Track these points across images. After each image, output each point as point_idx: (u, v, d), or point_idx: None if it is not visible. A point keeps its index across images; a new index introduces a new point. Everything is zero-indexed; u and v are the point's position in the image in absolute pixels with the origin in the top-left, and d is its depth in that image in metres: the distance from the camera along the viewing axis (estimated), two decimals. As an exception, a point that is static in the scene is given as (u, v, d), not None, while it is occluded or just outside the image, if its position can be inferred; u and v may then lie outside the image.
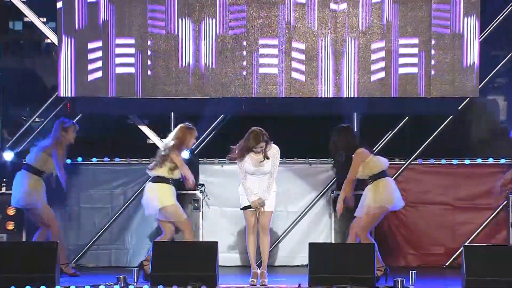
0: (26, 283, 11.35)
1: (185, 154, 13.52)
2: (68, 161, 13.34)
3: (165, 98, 13.60)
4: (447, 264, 13.91)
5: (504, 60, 14.40)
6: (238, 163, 12.00)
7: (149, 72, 13.59)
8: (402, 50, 13.52)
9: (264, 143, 11.87)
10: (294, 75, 13.55)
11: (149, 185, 12.23)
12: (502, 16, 14.26)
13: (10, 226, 13.53)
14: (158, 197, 12.07)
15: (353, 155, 12.09)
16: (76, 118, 14.25)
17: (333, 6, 13.49)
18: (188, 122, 12.35)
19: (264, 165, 11.93)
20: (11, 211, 13.43)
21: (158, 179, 12.12)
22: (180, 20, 13.50)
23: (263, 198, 11.89)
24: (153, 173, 12.16)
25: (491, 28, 14.21)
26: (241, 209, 11.95)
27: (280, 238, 13.99)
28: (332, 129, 12.21)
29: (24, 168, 12.72)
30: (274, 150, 11.95)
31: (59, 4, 13.56)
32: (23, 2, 14.48)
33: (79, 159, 14.12)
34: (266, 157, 11.89)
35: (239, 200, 12.13)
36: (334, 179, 13.99)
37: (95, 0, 13.57)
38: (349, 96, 13.55)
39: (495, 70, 14.38)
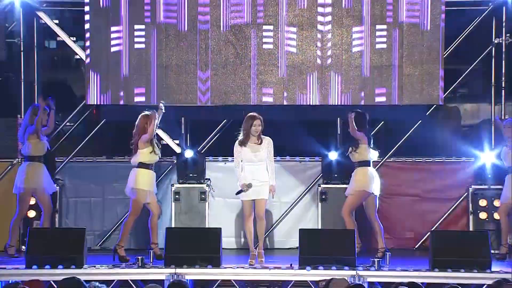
0: (59, 263, 11.40)
1: (190, 153, 13.58)
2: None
3: (177, 105, 13.56)
4: (416, 246, 13.92)
5: (465, 74, 14.40)
6: (237, 151, 11.98)
7: (163, 84, 13.59)
8: (378, 64, 13.47)
9: (259, 120, 11.87)
10: (287, 85, 13.53)
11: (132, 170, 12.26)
12: (463, 36, 14.27)
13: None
14: (135, 179, 12.11)
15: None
16: (101, 123, 14.29)
17: (319, 27, 13.48)
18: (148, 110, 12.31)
19: (261, 151, 11.91)
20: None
21: (139, 165, 12.15)
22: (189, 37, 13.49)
23: (271, 183, 11.89)
24: (134, 162, 12.18)
25: (454, 46, 14.21)
26: (236, 193, 11.93)
27: (275, 224, 14.01)
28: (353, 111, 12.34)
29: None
30: (267, 140, 11.95)
31: (87, 26, 13.56)
32: (56, 24, 14.47)
33: (103, 156, 14.14)
34: (260, 141, 11.88)
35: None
36: (320, 174, 13.98)
37: (117, 29, 13.57)
38: (334, 104, 13.51)
39: (457, 81, 14.41)
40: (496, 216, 13.16)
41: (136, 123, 12.23)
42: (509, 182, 12.56)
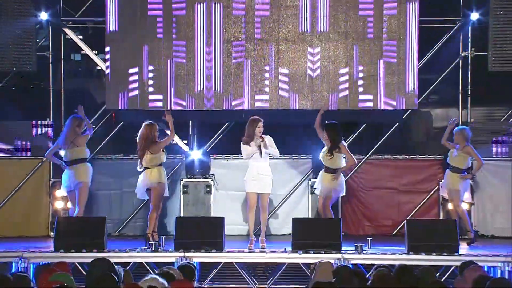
0: (83, 247, 11.46)
1: (197, 154, 13.60)
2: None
3: (186, 110, 13.61)
4: (394, 233, 13.95)
5: (436, 82, 14.45)
6: (244, 148, 11.97)
7: (173, 91, 13.66)
8: (361, 74, 13.49)
9: (262, 122, 11.90)
10: (281, 93, 13.57)
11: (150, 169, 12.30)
12: (434, 50, 14.31)
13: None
14: (161, 175, 12.25)
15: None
16: (119, 125, 14.32)
17: (310, 42, 13.49)
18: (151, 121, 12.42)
19: (263, 148, 11.92)
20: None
21: (161, 164, 12.33)
22: (197, 52, 13.51)
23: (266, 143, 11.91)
24: (156, 162, 12.27)
25: (426, 58, 14.25)
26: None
27: (271, 214, 14.02)
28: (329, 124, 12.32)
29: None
30: (267, 138, 11.94)
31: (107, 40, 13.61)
32: (80, 39, 14.53)
33: (121, 155, 14.18)
34: (263, 140, 11.88)
35: (244, 185, 12.12)
36: (311, 170, 14.02)
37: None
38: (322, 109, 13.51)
39: (429, 89, 14.45)
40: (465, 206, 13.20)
41: (140, 131, 12.26)
42: (445, 176, 12.69)
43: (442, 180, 12.88)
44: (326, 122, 12.45)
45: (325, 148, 12.37)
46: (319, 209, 12.46)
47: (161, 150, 12.32)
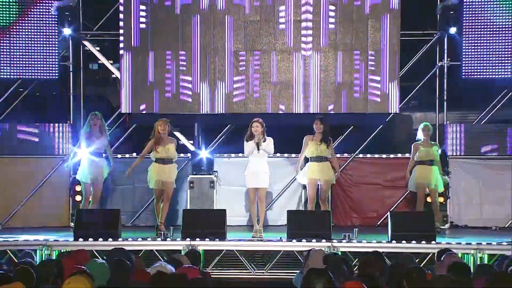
0: (99, 236, 11.47)
1: (202, 154, 13.58)
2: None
3: (191, 113, 13.59)
4: (378, 224, 13.87)
5: (415, 89, 14.40)
6: (246, 144, 12.02)
7: (180, 97, 13.64)
8: (348, 82, 13.49)
9: (257, 122, 11.91)
10: (277, 98, 13.57)
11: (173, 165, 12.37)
12: (414, 60, 14.31)
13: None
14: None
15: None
16: (132, 127, 14.31)
17: (303, 52, 13.55)
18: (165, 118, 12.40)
19: (263, 147, 11.97)
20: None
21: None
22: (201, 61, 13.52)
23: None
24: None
25: (407, 67, 14.24)
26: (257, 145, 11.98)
27: (268, 207, 13.95)
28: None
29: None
30: (268, 139, 12.02)
31: (121, 52, 13.62)
32: (97, 50, 14.53)
33: (134, 154, 14.16)
34: (264, 139, 11.94)
35: (244, 180, 12.19)
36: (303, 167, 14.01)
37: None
38: (314, 112, 13.52)
39: (410, 95, 14.43)
40: (429, 199, 13.20)
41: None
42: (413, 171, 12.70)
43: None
44: (320, 116, 12.41)
45: (312, 142, 12.30)
46: (310, 199, 12.35)
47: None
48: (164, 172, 12.20)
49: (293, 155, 14.04)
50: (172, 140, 12.44)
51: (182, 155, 13.68)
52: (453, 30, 13.60)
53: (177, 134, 14.05)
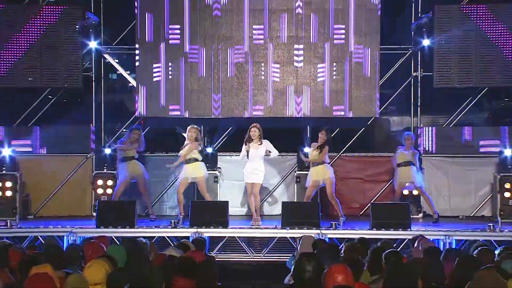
0: (118, 224, 11.46)
1: (208, 152, 13.58)
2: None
3: (198, 117, 13.59)
4: (361, 213, 13.88)
5: (393, 96, 14.42)
6: (244, 148, 12.00)
7: (189, 103, 13.62)
8: (335, 90, 13.48)
9: (254, 127, 11.89)
10: (272, 104, 13.56)
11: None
12: (392, 70, 14.31)
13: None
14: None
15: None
16: (146, 130, 14.31)
17: (296, 64, 13.54)
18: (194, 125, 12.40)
19: (259, 149, 11.93)
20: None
21: None
22: (206, 70, 13.52)
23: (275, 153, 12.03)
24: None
25: (386, 77, 14.24)
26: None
27: (265, 199, 14.02)
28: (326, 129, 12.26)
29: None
30: (265, 142, 12.00)
31: (137, 63, 13.61)
32: (116, 62, 14.50)
33: (148, 152, 14.11)
34: (261, 142, 11.91)
35: (243, 176, 12.16)
36: (296, 164, 13.99)
37: (157, 65, 13.54)
38: (304, 116, 13.54)
39: (388, 101, 14.43)
40: (415, 192, 13.22)
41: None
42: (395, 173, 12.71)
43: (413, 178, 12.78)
44: (325, 127, 12.40)
45: (311, 149, 12.31)
46: (306, 198, 12.33)
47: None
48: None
49: (289, 154, 14.06)
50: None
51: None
52: (427, 42, 13.59)
53: (185, 135, 13.99)
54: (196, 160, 12.16)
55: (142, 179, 12.54)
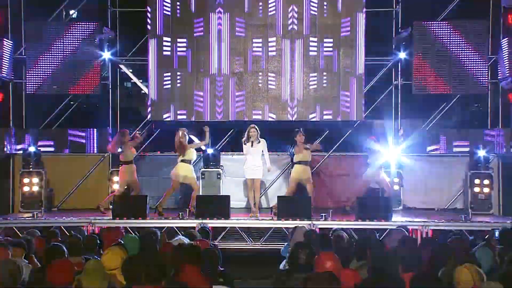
0: (131, 216, 11.44)
1: (211, 151, 13.53)
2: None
3: (204, 120, 13.54)
4: (348, 206, 13.78)
5: (377, 102, 14.42)
6: (244, 147, 11.99)
7: (194, 108, 13.60)
8: (325, 96, 13.48)
9: (253, 128, 11.86)
10: (269, 108, 13.55)
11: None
12: (376, 79, 14.31)
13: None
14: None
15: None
16: (157, 131, 14.29)
17: (290, 73, 13.49)
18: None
19: (257, 148, 11.92)
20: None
21: None
22: (211, 79, 13.49)
23: (268, 165, 11.92)
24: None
25: (370, 85, 14.24)
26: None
27: (262, 193, 13.95)
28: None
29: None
30: (262, 141, 11.98)
31: (149, 73, 13.56)
32: (131, 72, 14.52)
33: (158, 152, 14.13)
34: (259, 140, 11.88)
35: (244, 173, 12.16)
36: (289, 163, 13.91)
37: (167, 74, 13.53)
38: (298, 120, 13.49)
39: (372, 106, 14.41)
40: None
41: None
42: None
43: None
44: (301, 128, 12.37)
45: (304, 149, 12.27)
46: (289, 193, 12.34)
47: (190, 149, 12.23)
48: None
49: (282, 152, 14.04)
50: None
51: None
52: (403, 55, 13.62)
53: (192, 137, 14.01)
54: (190, 161, 12.17)
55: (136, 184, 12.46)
